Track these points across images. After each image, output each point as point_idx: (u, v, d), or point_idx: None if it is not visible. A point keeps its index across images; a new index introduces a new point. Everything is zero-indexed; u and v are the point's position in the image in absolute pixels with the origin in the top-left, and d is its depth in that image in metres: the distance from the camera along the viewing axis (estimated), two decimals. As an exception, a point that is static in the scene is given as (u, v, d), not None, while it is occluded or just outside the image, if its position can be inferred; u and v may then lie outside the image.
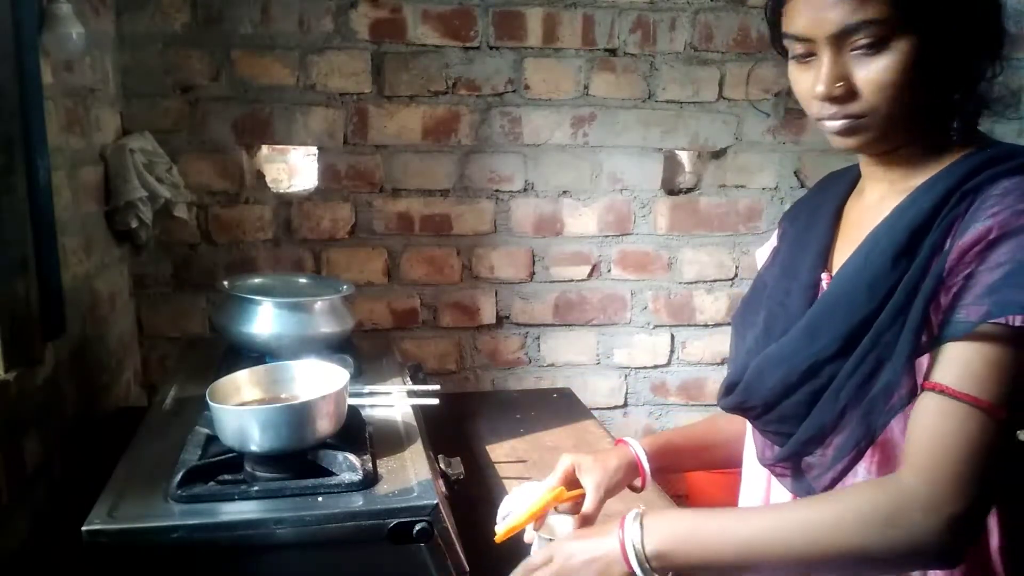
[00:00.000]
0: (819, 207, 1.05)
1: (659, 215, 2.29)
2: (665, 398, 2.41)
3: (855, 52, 0.86)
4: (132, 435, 1.21)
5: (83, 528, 0.93)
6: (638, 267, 2.31)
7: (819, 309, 0.93)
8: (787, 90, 2.29)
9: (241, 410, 1.07)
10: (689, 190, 2.32)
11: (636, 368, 2.37)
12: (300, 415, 1.05)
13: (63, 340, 1.39)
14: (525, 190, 2.21)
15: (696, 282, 2.34)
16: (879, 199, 0.97)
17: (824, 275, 0.98)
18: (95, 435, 1.52)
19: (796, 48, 0.90)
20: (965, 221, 0.84)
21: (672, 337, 2.37)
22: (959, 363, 0.81)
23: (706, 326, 2.38)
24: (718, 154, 2.29)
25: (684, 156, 2.31)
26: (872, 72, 0.86)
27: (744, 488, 1.15)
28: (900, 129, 0.89)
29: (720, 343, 2.39)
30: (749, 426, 1.11)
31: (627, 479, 1.12)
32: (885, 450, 0.90)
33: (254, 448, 1.04)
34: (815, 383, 0.90)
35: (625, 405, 2.39)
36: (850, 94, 0.87)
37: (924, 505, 0.79)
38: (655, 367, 2.38)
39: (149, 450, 1.15)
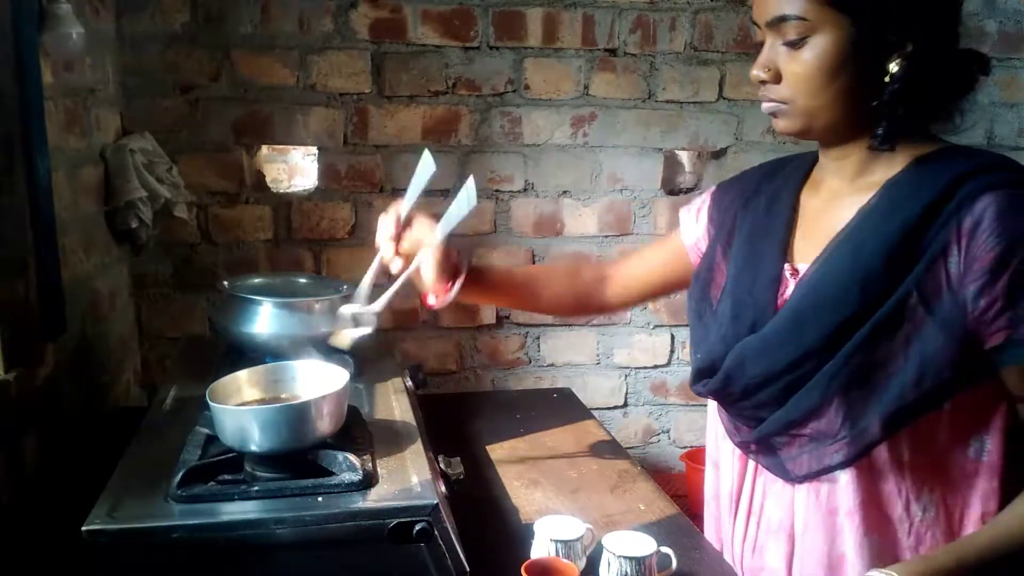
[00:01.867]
0: (777, 195, 1.10)
1: (659, 215, 2.29)
2: (665, 398, 2.41)
3: (785, 43, 0.94)
4: (132, 435, 1.21)
5: (83, 528, 0.93)
6: (638, 267, 2.31)
7: (804, 304, 0.97)
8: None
9: (241, 410, 1.07)
10: (689, 190, 2.32)
11: (636, 368, 2.37)
12: (300, 415, 1.05)
13: (63, 340, 1.39)
14: (525, 190, 2.21)
15: (696, 282, 2.34)
16: (835, 195, 1.03)
17: (787, 266, 1.03)
18: (95, 435, 1.52)
19: (756, 34, 1.00)
20: (977, 236, 0.88)
21: (672, 337, 2.37)
22: None
23: (706, 326, 2.38)
24: (718, 154, 2.29)
25: (684, 156, 2.31)
26: (793, 63, 0.94)
27: (712, 466, 1.20)
28: (826, 122, 0.96)
29: (720, 343, 2.39)
30: (712, 407, 1.17)
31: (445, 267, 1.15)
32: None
33: (254, 448, 1.04)
34: (797, 373, 0.96)
35: (625, 405, 2.39)
36: (776, 80, 0.96)
37: None
38: (655, 367, 2.38)
39: (149, 450, 1.15)
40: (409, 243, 1.14)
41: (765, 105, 0.99)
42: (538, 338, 2.30)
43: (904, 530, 0.99)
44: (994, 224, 0.87)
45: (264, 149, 2.12)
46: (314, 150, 2.11)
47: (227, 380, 1.14)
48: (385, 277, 1.17)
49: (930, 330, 0.90)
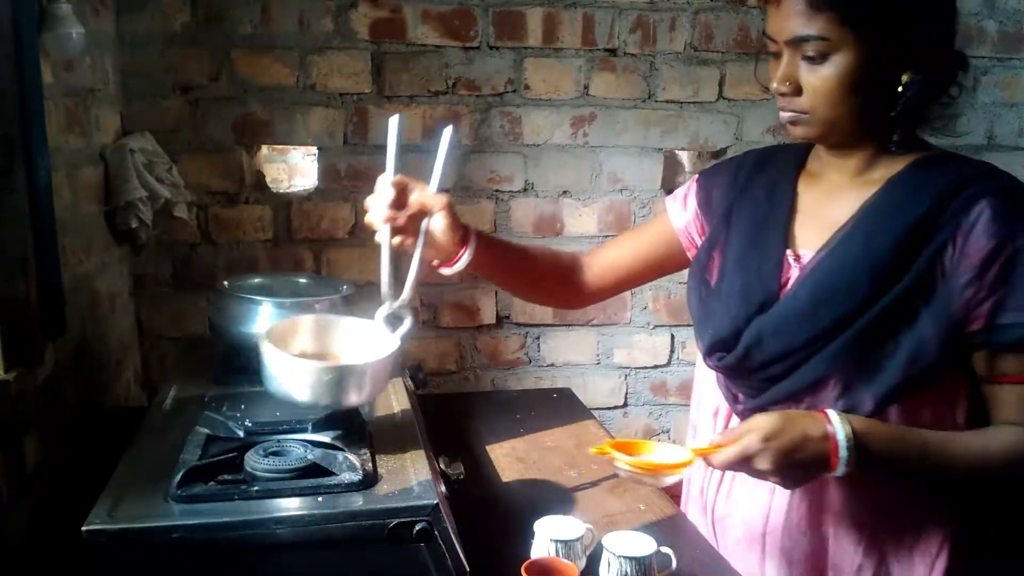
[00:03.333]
0: (775, 185, 1.18)
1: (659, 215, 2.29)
2: (665, 398, 2.41)
3: (805, 59, 1.02)
4: (132, 435, 1.21)
5: (83, 528, 0.93)
6: (638, 267, 2.31)
7: (820, 289, 1.06)
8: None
9: (305, 363, 1.07)
10: (689, 190, 2.31)
11: (636, 368, 2.37)
12: (358, 376, 1.07)
13: (63, 340, 1.39)
14: (525, 190, 2.21)
15: (696, 282, 2.34)
16: (836, 188, 1.12)
17: (789, 252, 1.12)
18: (95, 435, 1.52)
19: (769, 45, 1.07)
20: (972, 236, 1.00)
21: (672, 337, 2.37)
22: None
23: (706, 326, 2.38)
24: (718, 154, 2.29)
25: (684, 156, 2.31)
26: (814, 78, 1.02)
27: (692, 429, 1.34)
28: (842, 129, 1.06)
29: (720, 343, 2.39)
30: (703, 377, 1.29)
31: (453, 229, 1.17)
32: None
33: (298, 399, 1.05)
34: (810, 351, 1.05)
35: (625, 405, 2.39)
36: (796, 92, 1.05)
37: None
38: (655, 367, 2.38)
39: (149, 450, 1.15)
40: (412, 209, 1.15)
41: (784, 115, 1.07)
42: (538, 338, 2.30)
43: (880, 490, 1.10)
44: (987, 226, 0.99)
45: (264, 149, 2.12)
46: (314, 150, 2.12)
47: (285, 325, 1.16)
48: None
49: (924, 318, 1.01)
